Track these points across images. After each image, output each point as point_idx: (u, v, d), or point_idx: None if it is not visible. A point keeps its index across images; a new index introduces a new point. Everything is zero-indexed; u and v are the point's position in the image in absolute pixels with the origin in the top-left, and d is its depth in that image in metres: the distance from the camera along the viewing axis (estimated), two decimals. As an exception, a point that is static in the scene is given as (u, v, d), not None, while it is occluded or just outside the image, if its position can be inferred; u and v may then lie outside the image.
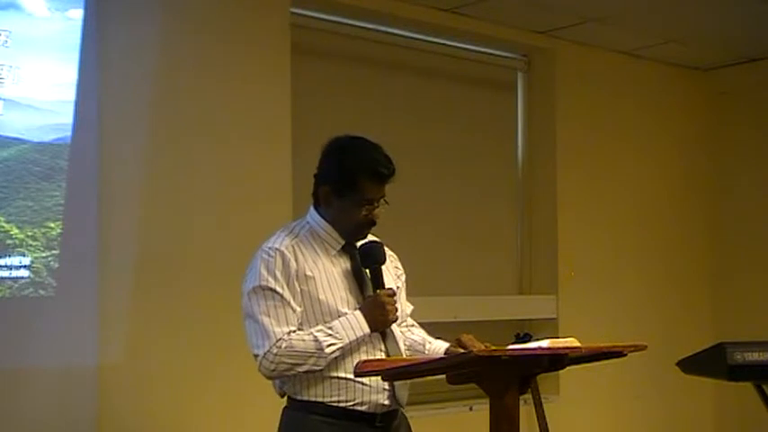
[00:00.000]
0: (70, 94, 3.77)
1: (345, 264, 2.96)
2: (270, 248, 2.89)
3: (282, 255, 2.86)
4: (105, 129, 3.90)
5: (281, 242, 2.90)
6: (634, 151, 6.10)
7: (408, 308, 3.19)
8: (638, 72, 6.12)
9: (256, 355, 2.84)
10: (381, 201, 2.93)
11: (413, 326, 3.19)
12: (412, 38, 5.29)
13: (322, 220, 2.96)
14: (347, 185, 2.89)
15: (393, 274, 3.09)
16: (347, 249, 2.97)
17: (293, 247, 2.89)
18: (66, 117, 3.77)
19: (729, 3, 5.17)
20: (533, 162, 5.81)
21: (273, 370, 2.83)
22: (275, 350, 2.80)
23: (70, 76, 3.77)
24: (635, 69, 6.09)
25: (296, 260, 2.87)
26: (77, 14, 3.81)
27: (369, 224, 2.94)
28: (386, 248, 3.06)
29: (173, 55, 4.13)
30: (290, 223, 3.04)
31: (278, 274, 2.84)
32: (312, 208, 3.01)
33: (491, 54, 5.68)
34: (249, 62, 4.37)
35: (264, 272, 2.85)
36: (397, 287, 3.06)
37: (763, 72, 6.19)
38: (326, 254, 2.93)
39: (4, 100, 3.59)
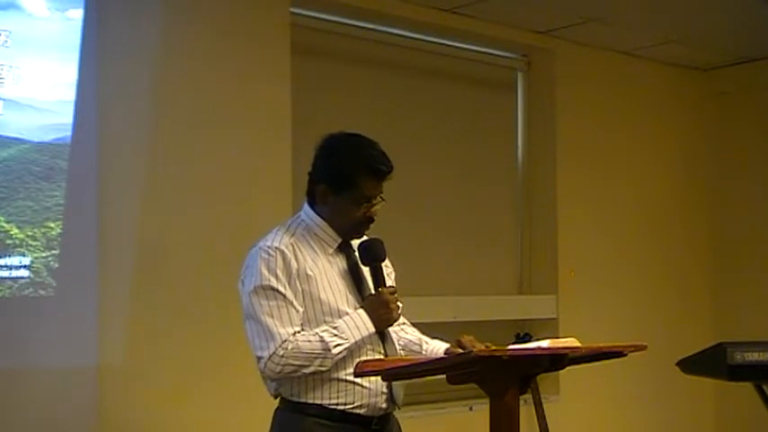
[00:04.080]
0: (70, 94, 3.77)
1: (342, 263, 2.92)
2: (269, 247, 2.82)
3: (283, 254, 2.81)
4: (105, 129, 3.90)
5: (281, 241, 2.84)
6: (634, 151, 6.10)
7: None
8: (638, 72, 6.12)
9: (260, 358, 2.77)
10: (378, 198, 2.89)
11: (404, 324, 3.13)
12: (412, 38, 5.28)
13: (318, 218, 2.91)
14: (345, 183, 2.84)
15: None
16: (343, 248, 2.93)
17: (292, 245, 2.84)
18: (66, 117, 3.77)
19: (729, 3, 5.17)
20: (533, 162, 5.81)
21: (279, 372, 2.76)
22: (281, 352, 2.74)
23: (70, 76, 3.77)
24: (635, 69, 6.09)
25: (296, 259, 2.81)
26: (77, 14, 3.81)
27: (367, 221, 2.90)
28: None
29: (173, 55, 4.13)
30: (285, 221, 2.98)
31: (279, 273, 2.78)
32: (306, 206, 2.96)
33: (491, 54, 5.68)
34: (249, 62, 4.37)
35: (265, 271, 2.79)
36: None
37: (763, 72, 6.19)
38: (324, 253, 2.89)
39: (4, 100, 3.59)
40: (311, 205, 2.94)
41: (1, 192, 3.61)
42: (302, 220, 2.94)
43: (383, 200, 2.90)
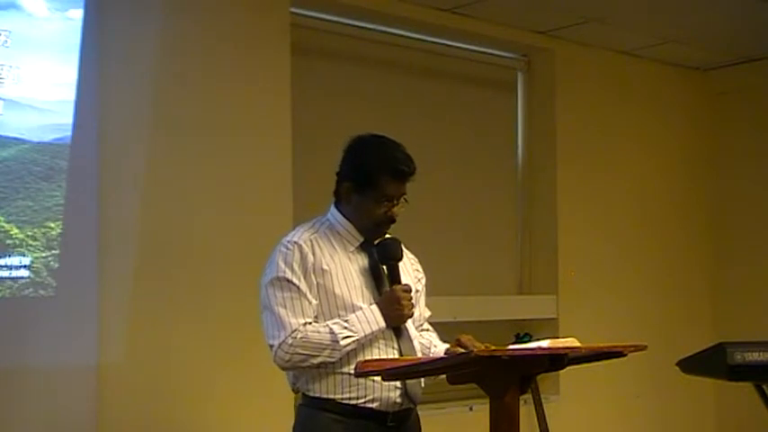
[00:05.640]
0: (70, 94, 3.77)
1: (363, 261, 3.00)
2: (288, 242, 2.94)
3: (300, 248, 2.92)
4: (105, 129, 3.90)
5: (300, 236, 2.96)
6: (634, 151, 6.10)
7: (426, 312, 3.21)
8: (638, 72, 6.12)
9: (271, 346, 2.88)
10: (401, 199, 2.97)
11: (427, 330, 3.21)
12: (412, 38, 5.28)
13: (342, 217, 3.01)
14: (367, 182, 2.94)
15: (413, 276, 3.12)
16: (365, 247, 3.01)
17: (311, 241, 2.94)
18: (66, 117, 3.77)
19: (729, 3, 5.17)
20: (533, 162, 5.81)
21: (288, 360, 2.86)
22: (290, 341, 2.84)
23: (70, 76, 3.77)
24: (635, 69, 6.09)
25: (313, 254, 2.92)
26: (77, 14, 3.81)
27: (388, 221, 2.98)
28: (406, 251, 3.10)
29: (172, 55, 4.14)
30: (311, 219, 3.08)
31: (295, 266, 2.89)
32: (333, 205, 3.05)
33: (491, 54, 5.68)
34: (249, 62, 4.37)
35: (282, 264, 2.90)
36: (417, 290, 3.08)
37: (763, 72, 6.19)
38: (344, 250, 2.98)
39: (4, 100, 3.59)
40: (337, 204, 3.04)
41: (1, 192, 3.61)
42: (327, 219, 3.04)
43: (406, 201, 2.99)
